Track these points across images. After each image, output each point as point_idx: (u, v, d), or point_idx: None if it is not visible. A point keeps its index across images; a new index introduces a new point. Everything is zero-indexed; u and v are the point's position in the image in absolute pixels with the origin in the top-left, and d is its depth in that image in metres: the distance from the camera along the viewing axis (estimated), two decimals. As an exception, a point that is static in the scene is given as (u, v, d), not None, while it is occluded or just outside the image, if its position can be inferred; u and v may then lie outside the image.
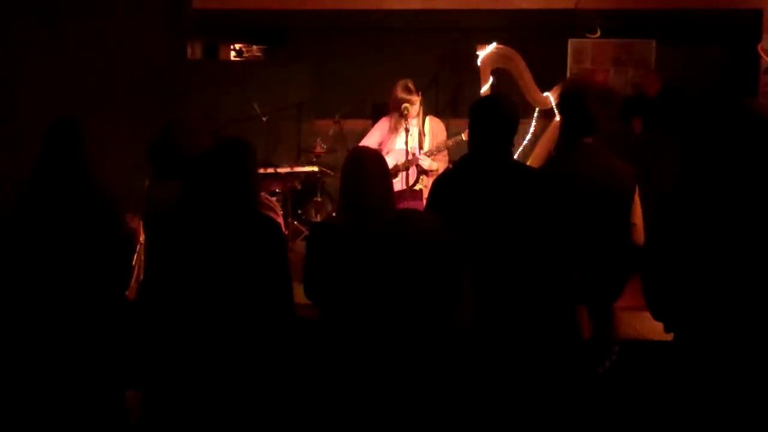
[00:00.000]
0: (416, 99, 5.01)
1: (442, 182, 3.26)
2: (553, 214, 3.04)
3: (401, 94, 4.98)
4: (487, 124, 3.10)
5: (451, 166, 4.88)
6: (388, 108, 5.26)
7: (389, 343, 1.44)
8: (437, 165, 5.09)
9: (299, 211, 6.50)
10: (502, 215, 2.99)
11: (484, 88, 5.48)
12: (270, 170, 5.89)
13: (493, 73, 5.52)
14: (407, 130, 4.94)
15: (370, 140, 5.12)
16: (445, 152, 5.19)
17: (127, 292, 3.67)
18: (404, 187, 5.03)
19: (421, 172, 5.12)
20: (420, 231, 1.47)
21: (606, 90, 7.15)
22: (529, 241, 2.98)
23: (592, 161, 3.41)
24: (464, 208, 3.01)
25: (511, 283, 2.96)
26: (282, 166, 6.05)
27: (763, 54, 6.50)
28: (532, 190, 3.05)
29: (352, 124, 6.50)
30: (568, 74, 7.45)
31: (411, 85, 5.00)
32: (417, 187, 5.13)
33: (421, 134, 5.17)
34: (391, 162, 5.06)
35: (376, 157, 3.27)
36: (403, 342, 1.44)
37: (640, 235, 3.44)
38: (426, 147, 5.13)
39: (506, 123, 3.11)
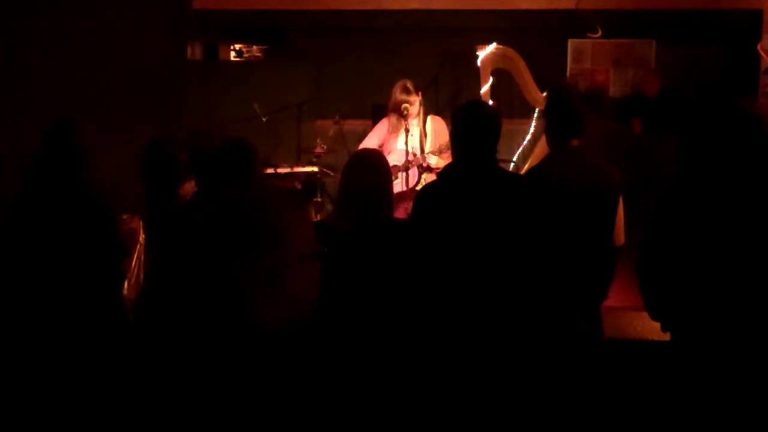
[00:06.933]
0: (415, 99, 5.01)
1: (427, 193, 3.20)
2: (537, 222, 3.02)
3: (400, 95, 5.00)
4: (469, 130, 3.06)
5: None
6: (387, 109, 5.25)
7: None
8: (444, 163, 5.08)
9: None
10: (487, 224, 2.97)
11: (484, 88, 5.47)
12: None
13: (493, 73, 5.52)
14: (407, 131, 4.94)
15: (370, 142, 5.12)
16: (448, 153, 5.18)
17: (126, 293, 3.67)
18: (405, 188, 5.02)
19: (425, 170, 5.11)
20: None
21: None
22: (514, 249, 2.97)
23: (580, 163, 3.37)
24: (450, 218, 2.99)
25: (499, 290, 2.95)
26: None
27: (763, 54, 6.50)
28: (516, 199, 3.03)
29: (352, 124, 6.50)
30: (568, 74, 7.47)
31: (409, 86, 5.01)
32: (419, 188, 5.12)
33: (423, 134, 5.17)
34: (391, 163, 5.06)
35: (379, 159, 3.27)
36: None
37: (618, 236, 3.43)
38: (428, 147, 5.13)
39: (488, 128, 3.06)
